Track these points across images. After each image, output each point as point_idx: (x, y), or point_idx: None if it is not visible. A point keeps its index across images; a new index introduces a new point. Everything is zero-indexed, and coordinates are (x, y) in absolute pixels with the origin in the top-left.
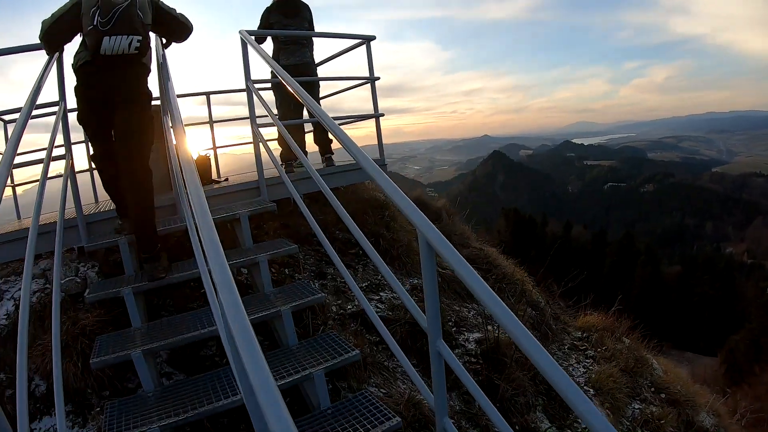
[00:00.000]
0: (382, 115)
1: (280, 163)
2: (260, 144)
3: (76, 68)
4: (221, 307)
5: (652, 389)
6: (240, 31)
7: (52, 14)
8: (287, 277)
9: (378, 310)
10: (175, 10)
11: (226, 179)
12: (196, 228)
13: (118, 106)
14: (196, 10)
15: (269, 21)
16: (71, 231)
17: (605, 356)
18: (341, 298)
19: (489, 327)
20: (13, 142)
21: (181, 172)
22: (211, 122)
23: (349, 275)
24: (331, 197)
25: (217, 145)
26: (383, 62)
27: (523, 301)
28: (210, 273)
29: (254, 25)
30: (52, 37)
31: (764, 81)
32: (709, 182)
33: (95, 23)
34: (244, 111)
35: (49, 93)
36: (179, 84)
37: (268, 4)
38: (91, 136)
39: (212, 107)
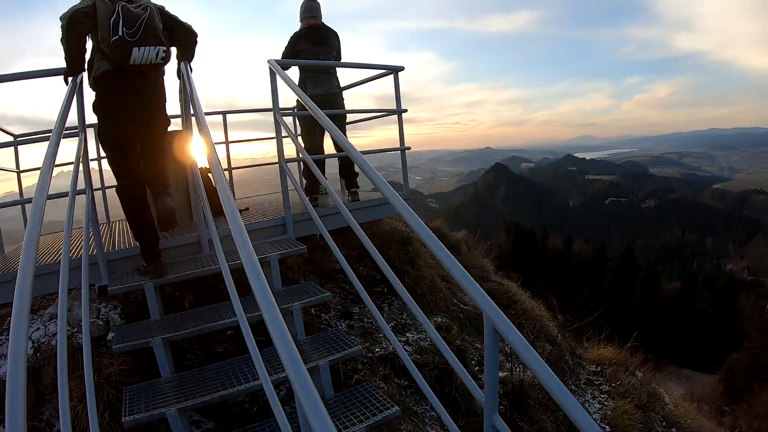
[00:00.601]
0: (408, 148)
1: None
2: (288, 179)
3: (97, 77)
4: (284, 364)
5: (664, 423)
6: (269, 61)
7: (72, 6)
8: (314, 317)
9: (406, 351)
10: (177, 16)
11: (247, 208)
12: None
13: (148, 115)
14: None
15: (297, 48)
16: (90, 268)
17: (619, 391)
18: (369, 341)
19: (510, 366)
20: (43, 190)
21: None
22: (227, 143)
23: (384, 322)
24: (363, 236)
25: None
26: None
27: (542, 337)
28: (247, 321)
29: (247, 33)
30: (78, 24)
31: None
32: (710, 199)
33: (121, 33)
34: (250, 124)
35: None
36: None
37: (296, 30)
38: (115, 151)
39: (209, 117)
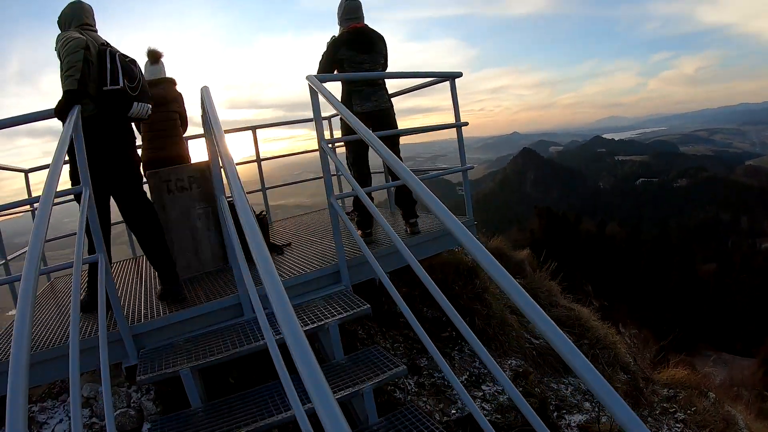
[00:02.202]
0: (471, 167)
1: (357, 231)
2: (339, 218)
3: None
4: None
5: None
6: (308, 77)
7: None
8: None
9: (484, 411)
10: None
11: (290, 243)
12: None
13: (119, 165)
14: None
15: (338, 57)
16: (114, 345)
17: (695, 420)
18: (442, 400)
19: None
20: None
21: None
22: (259, 160)
23: (456, 380)
24: (426, 279)
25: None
26: (409, 62)
27: (617, 367)
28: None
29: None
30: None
31: None
32: (743, 176)
33: (122, 85)
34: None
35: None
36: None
37: (335, 35)
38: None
39: (238, 132)
